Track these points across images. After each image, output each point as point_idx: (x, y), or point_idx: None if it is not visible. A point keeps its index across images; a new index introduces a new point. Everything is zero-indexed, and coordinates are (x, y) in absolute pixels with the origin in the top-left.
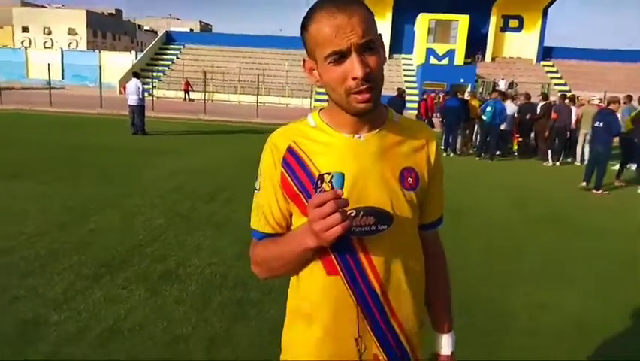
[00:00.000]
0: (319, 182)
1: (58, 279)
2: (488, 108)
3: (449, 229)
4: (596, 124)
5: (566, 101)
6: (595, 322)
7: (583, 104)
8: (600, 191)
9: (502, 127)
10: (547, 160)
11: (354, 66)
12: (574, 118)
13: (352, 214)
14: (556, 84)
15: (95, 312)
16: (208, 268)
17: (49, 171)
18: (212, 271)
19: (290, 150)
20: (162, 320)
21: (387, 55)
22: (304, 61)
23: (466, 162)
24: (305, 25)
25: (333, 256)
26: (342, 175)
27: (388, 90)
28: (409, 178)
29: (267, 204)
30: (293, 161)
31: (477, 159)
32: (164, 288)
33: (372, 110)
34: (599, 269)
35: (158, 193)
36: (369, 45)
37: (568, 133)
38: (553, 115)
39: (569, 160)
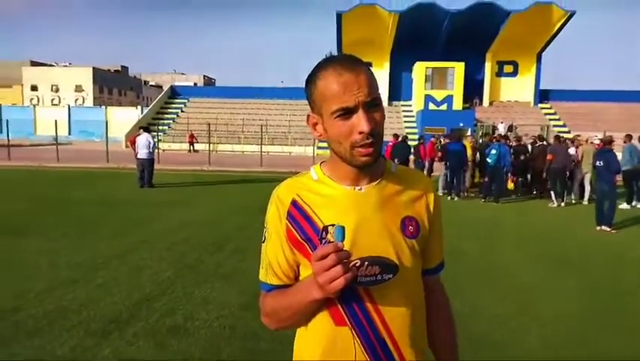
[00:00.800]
0: (324, 233)
1: (67, 336)
2: (493, 151)
3: (457, 273)
4: (597, 163)
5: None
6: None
7: (582, 144)
8: (610, 228)
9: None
10: (552, 201)
11: (361, 122)
12: (576, 158)
13: (357, 265)
14: (555, 126)
15: None
16: (217, 321)
17: (56, 226)
18: (221, 323)
19: (294, 203)
20: None
21: (386, 102)
22: (308, 116)
23: (471, 206)
24: (312, 81)
25: (340, 307)
26: (343, 228)
27: (386, 136)
28: (410, 227)
29: (274, 256)
30: (297, 214)
31: (482, 201)
32: (173, 343)
33: (374, 162)
34: (613, 307)
35: (165, 246)
36: (374, 102)
37: (567, 173)
38: (549, 157)
39: (573, 200)
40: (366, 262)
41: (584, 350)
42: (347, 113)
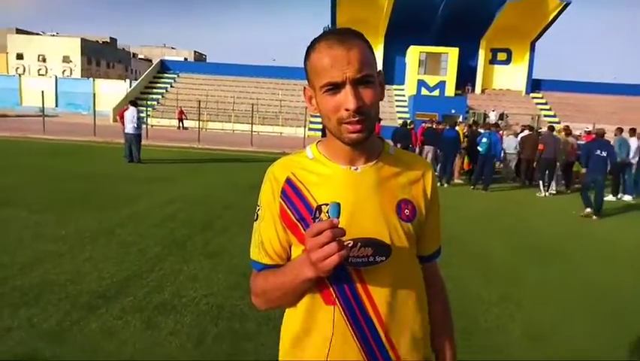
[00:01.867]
0: (317, 212)
1: (54, 310)
2: (484, 140)
3: (444, 258)
4: (597, 153)
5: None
6: (595, 349)
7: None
8: (598, 216)
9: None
10: (540, 190)
11: (347, 98)
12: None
13: (350, 245)
14: (545, 116)
15: (91, 344)
16: (204, 299)
17: (42, 198)
18: (209, 302)
19: (288, 181)
20: (158, 352)
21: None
22: (305, 89)
23: (460, 193)
24: (307, 55)
25: (330, 287)
26: (339, 205)
27: (387, 121)
28: (406, 210)
29: (267, 235)
30: (291, 192)
31: (471, 188)
32: (160, 320)
33: (364, 140)
34: (597, 297)
35: (154, 222)
36: (365, 79)
37: (557, 164)
38: (540, 146)
39: (555, 190)
40: (359, 243)
41: (565, 336)
42: (335, 88)
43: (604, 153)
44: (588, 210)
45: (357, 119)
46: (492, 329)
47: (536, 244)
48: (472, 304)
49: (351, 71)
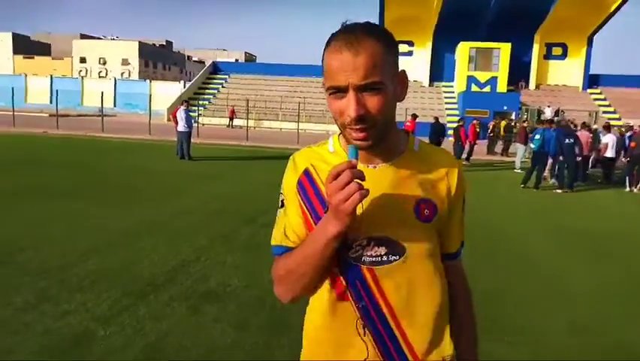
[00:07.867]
0: None
1: (106, 296)
2: (537, 137)
3: (486, 255)
4: (566, 141)
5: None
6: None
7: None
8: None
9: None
10: (626, 187)
11: (349, 105)
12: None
13: (363, 244)
14: (604, 112)
15: (139, 328)
16: (247, 290)
17: (101, 192)
18: (251, 292)
19: (306, 172)
20: (201, 336)
21: (427, 83)
22: (323, 83)
23: (509, 191)
24: (323, 52)
25: (344, 283)
26: (356, 147)
27: (428, 117)
28: (426, 210)
29: (290, 220)
30: (307, 183)
31: (521, 187)
32: (205, 307)
33: (371, 147)
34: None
35: (202, 215)
36: (371, 86)
37: None
38: (632, 144)
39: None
40: (373, 242)
41: (612, 334)
42: (339, 92)
43: (571, 140)
44: (559, 190)
45: (358, 127)
46: (535, 324)
47: (583, 241)
48: (514, 299)
49: (355, 77)
